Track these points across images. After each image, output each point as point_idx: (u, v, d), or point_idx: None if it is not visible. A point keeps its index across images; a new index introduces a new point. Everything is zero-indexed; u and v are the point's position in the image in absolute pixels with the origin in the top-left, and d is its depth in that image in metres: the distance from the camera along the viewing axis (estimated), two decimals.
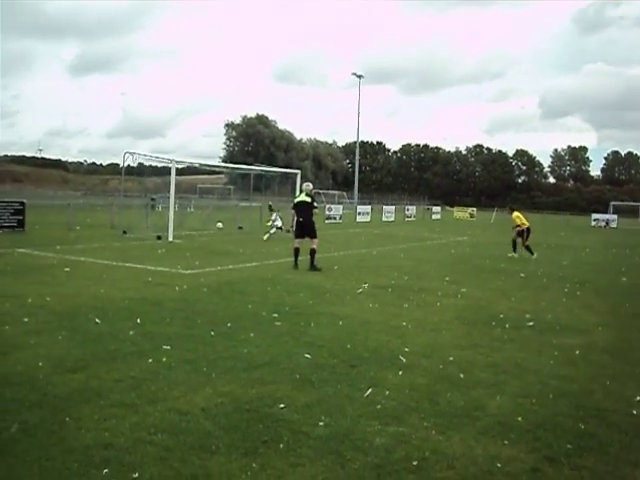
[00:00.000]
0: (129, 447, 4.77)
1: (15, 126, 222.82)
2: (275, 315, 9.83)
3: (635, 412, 6.17)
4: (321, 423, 5.44)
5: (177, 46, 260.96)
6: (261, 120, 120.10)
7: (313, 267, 15.95)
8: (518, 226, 22.90)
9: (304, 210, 16.64)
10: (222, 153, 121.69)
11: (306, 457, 4.76)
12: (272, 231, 26.10)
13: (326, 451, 4.88)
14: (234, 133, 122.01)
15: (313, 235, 16.60)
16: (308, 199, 16.71)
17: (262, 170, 39.16)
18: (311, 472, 4.52)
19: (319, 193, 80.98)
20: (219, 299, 11.19)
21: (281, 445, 4.94)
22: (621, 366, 7.96)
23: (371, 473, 4.55)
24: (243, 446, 4.89)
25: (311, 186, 17.72)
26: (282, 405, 5.83)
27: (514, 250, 22.58)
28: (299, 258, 16.45)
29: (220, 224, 30.47)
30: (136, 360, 7.11)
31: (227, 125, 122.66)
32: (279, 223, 26.62)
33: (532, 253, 22.18)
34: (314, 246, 16.39)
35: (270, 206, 28.69)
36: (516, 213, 23.53)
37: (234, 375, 6.73)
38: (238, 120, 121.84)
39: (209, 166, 38.07)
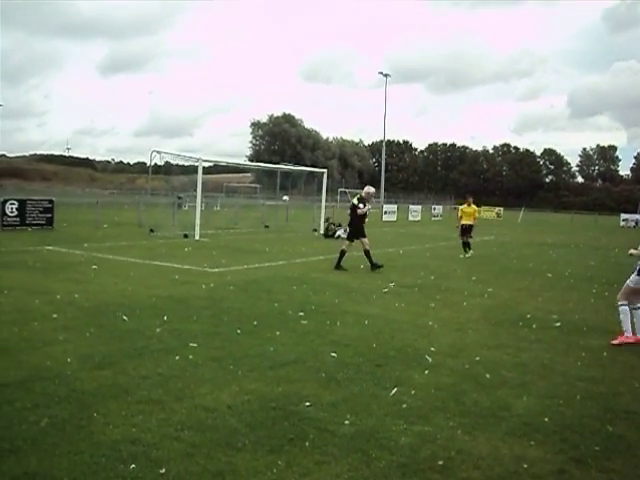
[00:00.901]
0: (156, 443, 4.81)
1: (44, 125, 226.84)
2: (301, 314, 9.86)
3: None
4: (347, 421, 5.45)
5: (204, 45, 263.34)
6: (287, 119, 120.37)
7: (373, 266, 16.12)
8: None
9: (350, 213, 16.87)
10: (248, 152, 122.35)
11: (331, 455, 4.77)
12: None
13: (351, 449, 4.89)
14: (260, 132, 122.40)
15: (358, 236, 16.52)
16: (355, 201, 16.77)
17: (288, 169, 39.21)
18: (336, 470, 4.53)
19: (345, 192, 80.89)
20: (245, 297, 11.24)
21: (307, 443, 4.96)
22: None
23: (396, 472, 4.55)
24: (269, 443, 4.91)
25: (367, 189, 17.28)
26: (308, 403, 5.85)
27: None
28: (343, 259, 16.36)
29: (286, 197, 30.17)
30: (163, 357, 7.16)
31: (253, 124, 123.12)
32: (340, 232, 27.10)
33: (466, 251, 21.45)
34: (365, 247, 16.44)
35: (328, 219, 29.13)
36: (474, 206, 22.51)
37: (260, 373, 6.75)
38: (265, 119, 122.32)
39: (236, 164, 38.10)
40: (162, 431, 5.05)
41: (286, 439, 5.02)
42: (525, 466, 4.77)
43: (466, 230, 21.67)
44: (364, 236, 16.46)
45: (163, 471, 4.36)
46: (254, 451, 4.77)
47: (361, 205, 16.51)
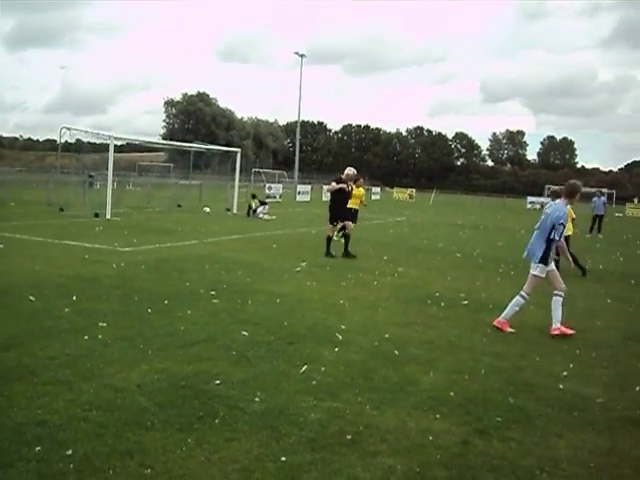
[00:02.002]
0: (63, 424, 4.73)
1: None
2: (213, 293, 9.82)
3: (562, 387, 6.39)
4: (257, 399, 5.48)
5: (121, 22, 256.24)
6: (202, 98, 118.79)
7: (327, 252, 15.61)
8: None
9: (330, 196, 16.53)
10: (162, 131, 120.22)
11: (241, 432, 4.80)
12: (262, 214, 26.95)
13: (261, 426, 4.93)
14: (174, 111, 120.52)
15: (343, 219, 16.25)
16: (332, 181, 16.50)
17: (202, 148, 38.81)
18: (246, 447, 4.56)
19: (259, 172, 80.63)
20: (157, 276, 11.12)
21: (216, 420, 4.97)
22: (550, 343, 8.22)
23: (305, 447, 4.62)
24: (178, 422, 4.90)
25: (347, 171, 16.45)
26: (218, 381, 5.85)
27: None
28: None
29: (207, 209, 29.87)
30: (71, 337, 7.03)
31: (167, 102, 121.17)
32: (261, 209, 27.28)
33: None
34: (347, 230, 16.16)
35: (254, 195, 29.02)
36: (362, 189, 21.61)
37: (170, 352, 6.71)
38: (178, 97, 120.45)
39: (148, 143, 37.49)
40: (69, 412, 4.96)
41: (196, 417, 5.02)
42: (430, 438, 4.91)
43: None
44: (340, 220, 16.14)
45: (70, 452, 4.29)
46: (163, 430, 4.75)
47: (333, 183, 16.15)
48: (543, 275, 8.80)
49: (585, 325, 9.43)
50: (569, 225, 16.57)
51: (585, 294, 12.25)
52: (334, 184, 15.91)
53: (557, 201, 8.97)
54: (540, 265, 8.73)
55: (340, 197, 15.88)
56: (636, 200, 78.49)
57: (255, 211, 27.39)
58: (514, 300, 8.86)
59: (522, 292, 8.90)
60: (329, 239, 15.72)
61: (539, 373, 6.84)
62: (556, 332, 8.61)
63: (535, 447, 4.92)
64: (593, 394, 6.26)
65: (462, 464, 4.53)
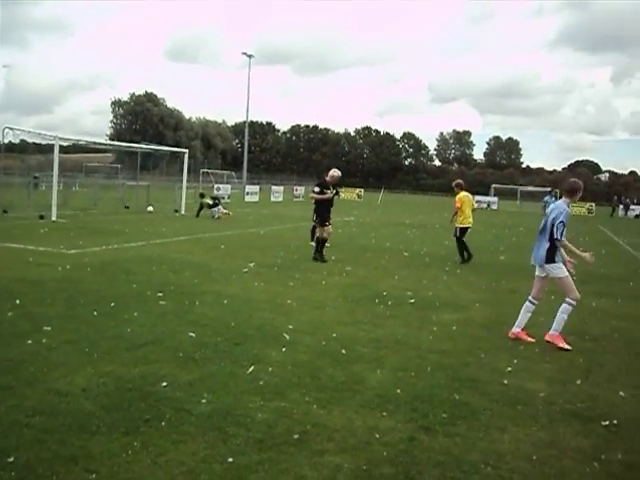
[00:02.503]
0: (4, 430, 4.65)
1: None
2: (160, 294, 9.75)
3: (506, 382, 6.50)
4: (204, 400, 5.47)
5: (67, 20, 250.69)
6: (150, 98, 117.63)
7: (317, 256, 15.25)
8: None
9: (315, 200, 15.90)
10: (109, 131, 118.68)
11: (188, 434, 4.78)
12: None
13: (208, 427, 4.92)
14: (121, 111, 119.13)
15: (321, 222, 15.64)
16: (315, 185, 16.00)
17: (149, 149, 38.41)
18: (192, 448, 4.55)
19: (207, 173, 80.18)
20: (103, 279, 10.98)
21: (163, 423, 4.94)
22: (495, 339, 8.35)
23: (253, 447, 4.62)
24: (124, 425, 4.86)
25: (331, 172, 15.97)
26: (165, 383, 5.82)
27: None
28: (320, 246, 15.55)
29: (151, 207, 29.50)
30: (14, 342, 6.90)
31: (114, 103, 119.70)
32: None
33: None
34: (322, 234, 15.58)
35: (202, 194, 28.99)
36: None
37: (117, 355, 6.65)
38: (126, 97, 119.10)
39: (95, 144, 36.91)
40: (11, 418, 4.88)
41: (142, 420, 4.98)
42: (377, 436, 4.95)
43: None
44: (328, 222, 15.60)
45: (11, 460, 4.22)
46: (109, 434, 4.70)
47: (316, 189, 15.58)
48: (566, 273, 8.41)
49: (529, 321, 9.57)
50: (468, 215, 16.93)
51: (529, 290, 12.41)
52: (317, 189, 15.50)
53: (558, 201, 8.85)
54: (552, 264, 8.39)
55: (327, 200, 15.52)
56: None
57: (211, 208, 27.39)
58: (561, 308, 8.44)
59: (567, 299, 8.43)
60: (324, 241, 15.44)
61: (484, 369, 6.96)
62: (513, 337, 8.52)
63: (480, 441, 5.00)
64: (536, 388, 6.40)
65: (408, 460, 4.58)
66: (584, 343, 8.53)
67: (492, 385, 6.40)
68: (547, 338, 8.38)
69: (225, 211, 27.33)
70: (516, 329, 8.58)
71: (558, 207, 8.43)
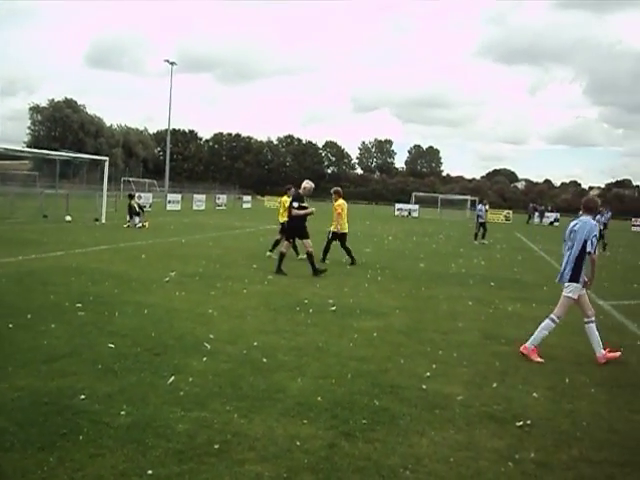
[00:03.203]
0: None
1: None
2: (79, 305, 9.55)
3: (425, 387, 6.62)
4: (123, 412, 5.38)
5: None
6: (69, 104, 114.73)
7: (278, 270, 14.73)
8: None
9: (288, 211, 15.57)
10: (27, 138, 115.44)
11: (106, 447, 4.70)
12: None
13: (127, 440, 4.85)
14: (40, 117, 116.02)
15: (296, 236, 15.33)
16: (292, 200, 15.38)
17: (69, 156, 37.66)
18: (111, 462, 4.48)
19: (129, 181, 79.06)
20: (19, 290, 10.70)
21: (81, 437, 4.85)
22: (415, 345, 8.48)
23: (173, 459, 4.58)
24: (40, 441, 4.74)
25: (304, 184, 15.65)
26: (83, 396, 5.71)
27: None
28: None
29: (69, 217, 28.73)
30: None
31: (32, 109, 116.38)
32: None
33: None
34: (284, 249, 15.22)
35: (131, 195, 28.80)
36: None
37: (33, 368, 6.48)
38: (45, 103, 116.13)
39: (11, 151, 35.91)
40: None
41: (58, 435, 4.87)
42: (298, 443, 4.97)
43: None
44: (306, 237, 15.12)
45: None
46: (23, 450, 4.58)
47: (295, 204, 15.04)
48: (575, 297, 8.37)
49: (447, 327, 9.79)
50: (346, 221, 17.40)
51: (448, 297, 12.72)
52: (295, 204, 14.96)
53: (582, 217, 8.62)
54: (572, 284, 8.34)
55: (298, 215, 15.07)
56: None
57: (138, 214, 27.29)
58: (543, 324, 8.48)
59: (552, 315, 8.47)
60: (311, 255, 14.96)
61: (403, 375, 7.05)
62: (603, 361, 8.27)
63: (399, 446, 5.08)
64: (454, 392, 6.53)
65: (329, 467, 4.62)
66: (500, 347, 8.75)
67: (411, 390, 6.50)
68: (602, 362, 8.29)
69: (141, 224, 27.05)
70: (530, 345, 8.43)
71: (587, 223, 8.42)
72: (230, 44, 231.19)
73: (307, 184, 15.61)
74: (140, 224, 26.78)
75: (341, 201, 17.78)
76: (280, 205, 18.91)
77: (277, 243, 18.02)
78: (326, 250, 17.46)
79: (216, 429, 5.16)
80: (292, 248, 17.16)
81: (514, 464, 4.87)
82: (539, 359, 8.21)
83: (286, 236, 15.49)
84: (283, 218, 17.64)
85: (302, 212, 15.02)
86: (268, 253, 18.22)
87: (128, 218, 27.64)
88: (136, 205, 27.77)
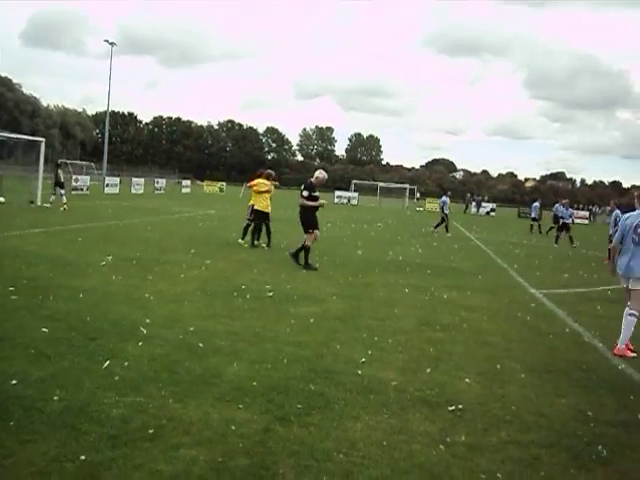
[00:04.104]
0: None
1: None
2: (11, 289, 9.34)
3: (360, 372, 6.69)
4: (56, 397, 5.31)
5: None
6: (4, 83, 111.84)
7: (306, 265, 14.38)
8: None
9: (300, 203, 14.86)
10: None
11: (38, 433, 4.64)
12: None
13: (60, 425, 4.79)
14: None
15: (307, 228, 14.68)
16: (302, 189, 14.79)
17: (3, 136, 36.74)
18: (43, 448, 4.42)
19: (66, 164, 77.50)
20: None
21: (11, 423, 4.76)
22: (351, 331, 8.56)
23: (106, 444, 4.55)
24: None
25: (317, 174, 15.22)
26: (14, 381, 5.60)
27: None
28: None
29: (2, 199, 27.94)
30: None
31: None
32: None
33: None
34: (304, 242, 14.65)
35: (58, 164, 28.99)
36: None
37: None
38: None
39: None
40: None
41: None
42: (233, 428, 4.99)
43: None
44: (311, 230, 14.61)
45: None
46: None
47: (305, 192, 14.54)
48: None
49: (384, 313, 9.91)
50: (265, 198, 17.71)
51: (385, 284, 12.86)
52: (305, 193, 14.52)
53: (637, 211, 8.71)
54: None
55: (310, 206, 14.67)
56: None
57: (62, 186, 27.19)
58: (626, 322, 8.46)
59: (631, 311, 8.46)
60: (307, 249, 14.55)
61: (339, 360, 7.12)
62: (619, 353, 8.43)
63: (333, 430, 5.14)
64: (388, 377, 6.62)
65: (263, 451, 4.65)
66: (435, 333, 8.90)
67: (346, 375, 6.57)
68: (618, 353, 8.43)
69: (64, 201, 26.59)
70: (621, 346, 8.50)
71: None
72: (173, 27, 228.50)
73: (320, 174, 15.20)
74: (53, 200, 26.84)
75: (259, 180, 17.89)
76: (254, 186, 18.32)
77: (247, 228, 18.15)
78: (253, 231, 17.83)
79: (151, 414, 5.14)
80: (258, 234, 17.70)
81: (445, 447, 4.98)
82: (633, 354, 8.41)
83: (304, 228, 14.85)
84: (257, 202, 17.86)
85: (311, 203, 14.62)
86: (240, 241, 18.05)
87: (53, 190, 27.47)
88: (61, 175, 27.58)
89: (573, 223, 29.29)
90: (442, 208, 31.67)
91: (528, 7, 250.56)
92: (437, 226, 30.89)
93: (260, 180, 18.06)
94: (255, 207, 17.71)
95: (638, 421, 6.00)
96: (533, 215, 39.27)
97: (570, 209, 30.51)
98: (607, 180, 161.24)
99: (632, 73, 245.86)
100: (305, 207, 14.70)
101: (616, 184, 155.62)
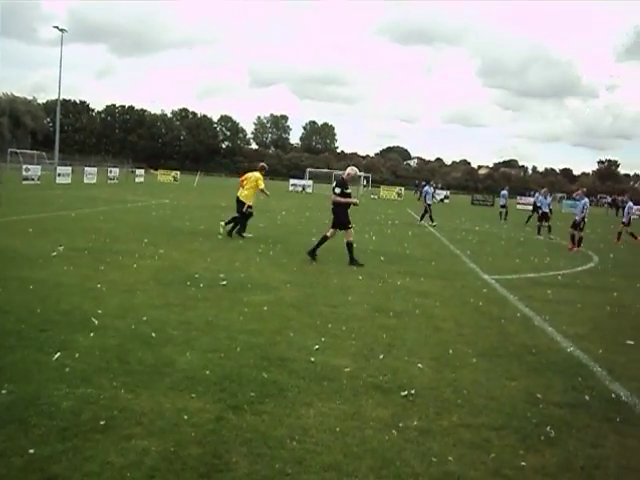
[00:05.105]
0: None
1: None
2: None
3: (313, 359, 6.72)
4: (4, 391, 5.23)
5: None
6: None
7: (353, 261, 14.13)
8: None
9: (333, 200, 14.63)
10: None
11: None
12: None
13: (8, 419, 4.72)
14: None
15: (341, 226, 14.45)
16: (335, 185, 14.72)
17: None
18: None
19: (16, 153, 76.09)
20: None
21: None
22: (304, 319, 8.58)
23: (56, 437, 4.50)
24: None
25: (349, 170, 14.94)
26: None
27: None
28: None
29: None
30: None
31: None
32: None
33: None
34: (348, 238, 14.34)
35: None
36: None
37: None
38: None
39: None
40: None
41: None
42: (186, 417, 4.97)
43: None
44: (346, 227, 14.37)
45: None
46: None
47: (337, 189, 14.37)
48: None
49: (338, 300, 9.94)
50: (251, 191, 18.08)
51: (339, 272, 12.91)
52: (337, 190, 14.36)
53: None
54: None
55: (342, 203, 14.45)
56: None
57: None
58: None
59: None
60: (351, 245, 14.32)
61: (292, 348, 7.14)
62: None
63: (286, 417, 5.15)
64: (342, 364, 6.66)
65: (216, 440, 4.65)
66: (388, 320, 8.96)
67: (300, 363, 6.59)
68: None
69: None
70: None
71: None
72: (126, 15, 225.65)
73: (352, 170, 14.94)
74: None
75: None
76: (247, 181, 18.67)
77: (234, 220, 18.15)
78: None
79: (102, 405, 5.10)
80: (239, 226, 17.78)
81: (398, 432, 5.03)
82: None
83: (332, 225, 14.68)
84: (245, 196, 18.11)
85: (343, 200, 14.41)
86: (221, 223, 18.42)
87: None
88: None
89: (551, 212, 29.40)
90: (425, 198, 31.53)
91: None
92: (422, 217, 30.45)
93: (257, 174, 18.68)
94: (240, 197, 18.09)
95: (585, 402, 6.13)
96: (502, 203, 39.74)
97: (549, 197, 30.56)
98: (558, 167, 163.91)
99: (581, 62, 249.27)
100: (338, 204, 14.48)
101: (567, 171, 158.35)
